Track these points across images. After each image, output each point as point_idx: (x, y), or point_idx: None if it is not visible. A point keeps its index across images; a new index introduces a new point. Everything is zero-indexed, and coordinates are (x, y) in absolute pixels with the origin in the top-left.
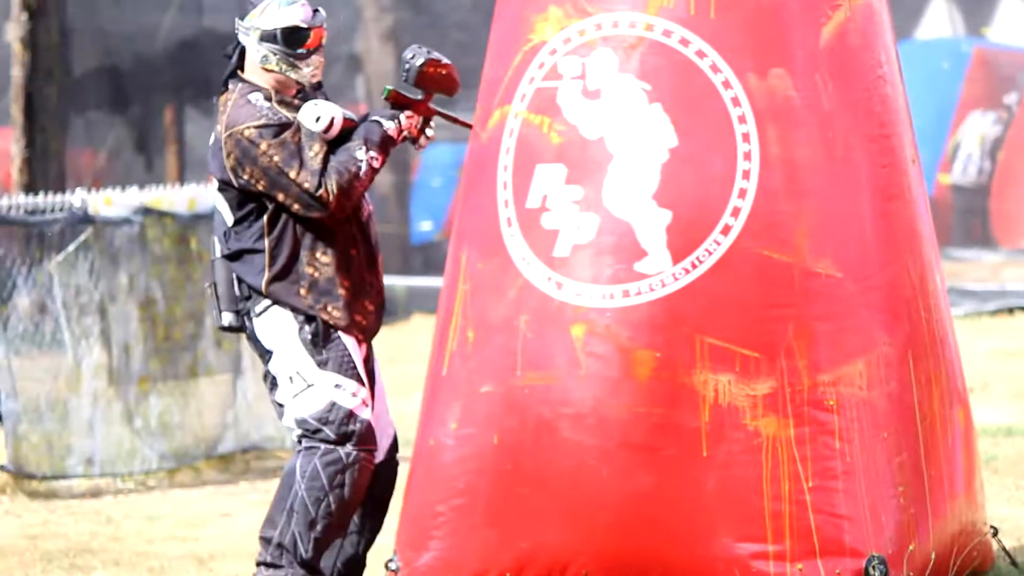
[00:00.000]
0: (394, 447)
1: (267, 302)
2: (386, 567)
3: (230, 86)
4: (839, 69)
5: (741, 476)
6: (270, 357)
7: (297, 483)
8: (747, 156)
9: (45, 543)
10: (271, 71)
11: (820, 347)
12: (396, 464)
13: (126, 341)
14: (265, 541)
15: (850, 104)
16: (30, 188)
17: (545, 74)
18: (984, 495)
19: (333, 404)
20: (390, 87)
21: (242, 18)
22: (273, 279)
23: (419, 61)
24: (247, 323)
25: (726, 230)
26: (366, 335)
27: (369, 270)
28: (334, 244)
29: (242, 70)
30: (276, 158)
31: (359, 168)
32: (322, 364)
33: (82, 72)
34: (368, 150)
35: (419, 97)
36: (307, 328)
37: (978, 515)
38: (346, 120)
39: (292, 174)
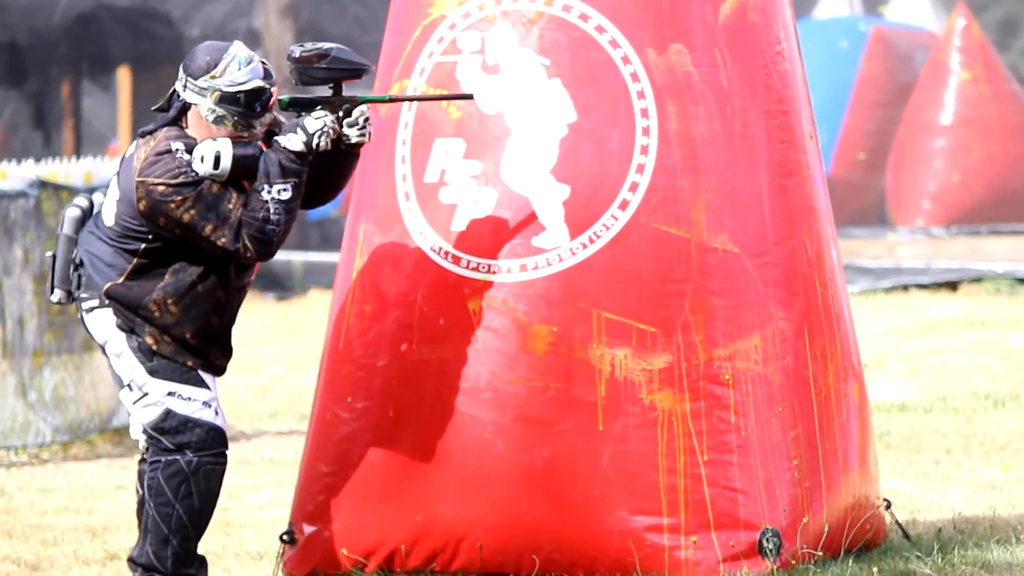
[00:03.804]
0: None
1: (97, 302)
2: (281, 540)
3: (158, 134)
4: (738, 45)
5: (636, 450)
6: (106, 351)
7: (147, 501)
8: (645, 132)
9: None
10: (224, 130)
11: (716, 322)
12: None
13: (21, 314)
14: (132, 563)
15: (749, 80)
16: None
17: (444, 48)
18: (878, 469)
19: (168, 412)
20: (285, 96)
21: (192, 74)
22: (116, 290)
23: (295, 54)
24: (79, 310)
25: (624, 205)
26: (211, 371)
27: (224, 336)
28: (193, 304)
29: (180, 123)
30: (189, 215)
31: (267, 212)
32: (153, 372)
33: None
34: (271, 184)
35: (325, 95)
36: (134, 337)
37: (872, 489)
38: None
39: (207, 231)
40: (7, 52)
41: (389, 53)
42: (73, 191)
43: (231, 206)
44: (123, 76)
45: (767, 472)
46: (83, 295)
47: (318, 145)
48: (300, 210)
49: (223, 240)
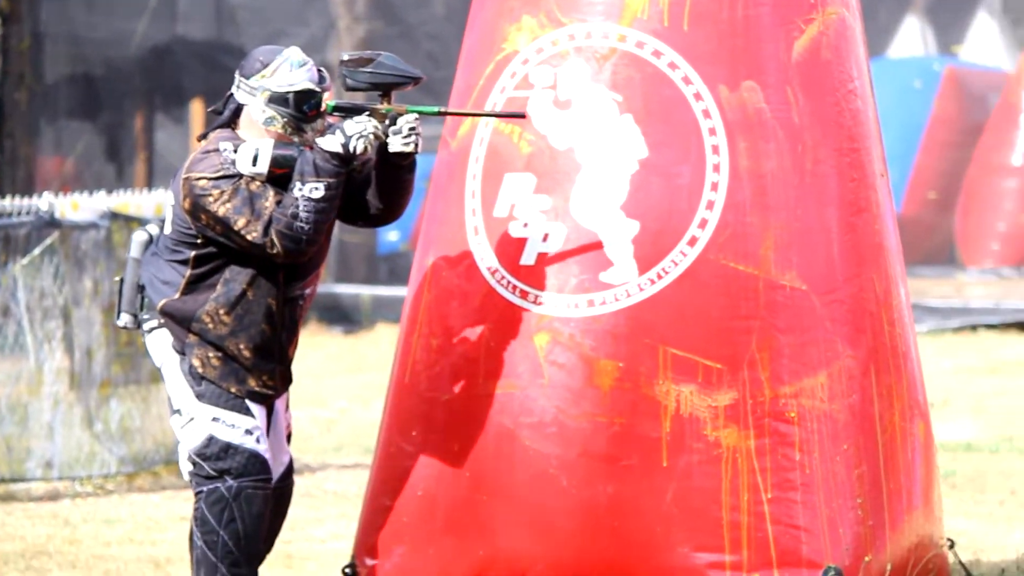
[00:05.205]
0: (288, 473)
1: (156, 322)
2: (343, 573)
3: (210, 136)
4: (810, 83)
5: (700, 486)
6: (163, 374)
7: (194, 532)
8: (716, 168)
9: (1, 545)
10: (274, 132)
11: (783, 359)
12: (289, 489)
13: (89, 345)
14: None
15: (820, 117)
16: None
17: (517, 84)
18: (942, 509)
19: (211, 438)
20: (332, 101)
21: (245, 75)
22: (171, 305)
23: (343, 58)
24: (142, 333)
25: (692, 241)
26: (257, 400)
27: (280, 350)
28: (245, 313)
29: (234, 125)
30: (225, 208)
31: (296, 208)
32: (200, 396)
33: (53, 78)
34: (304, 182)
35: (375, 104)
36: (185, 360)
37: (935, 529)
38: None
39: (239, 225)
40: (82, 85)
41: (461, 88)
42: (144, 223)
43: (267, 204)
44: (196, 109)
45: (831, 510)
46: (145, 316)
47: (355, 148)
48: (369, 227)
49: (253, 235)
